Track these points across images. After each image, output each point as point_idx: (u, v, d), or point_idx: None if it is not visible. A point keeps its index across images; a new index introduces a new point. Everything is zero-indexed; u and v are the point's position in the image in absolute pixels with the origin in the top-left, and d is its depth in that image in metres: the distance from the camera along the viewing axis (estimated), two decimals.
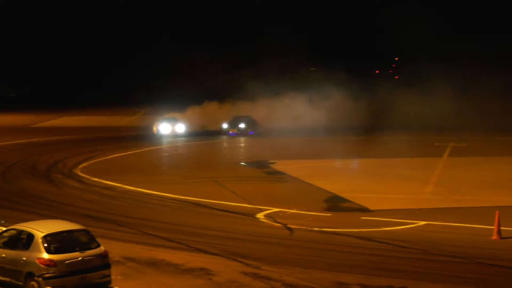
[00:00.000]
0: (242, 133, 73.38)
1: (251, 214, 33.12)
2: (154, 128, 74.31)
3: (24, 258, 20.20)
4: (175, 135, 71.93)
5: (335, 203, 36.09)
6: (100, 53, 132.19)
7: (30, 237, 20.42)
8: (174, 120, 74.60)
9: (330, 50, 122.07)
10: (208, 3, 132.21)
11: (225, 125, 75.44)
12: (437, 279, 22.57)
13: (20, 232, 21.00)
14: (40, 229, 20.66)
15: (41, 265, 19.74)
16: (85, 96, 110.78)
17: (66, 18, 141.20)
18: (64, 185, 41.59)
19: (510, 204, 35.04)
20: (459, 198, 37.74)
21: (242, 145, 66.71)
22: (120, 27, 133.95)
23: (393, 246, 27.05)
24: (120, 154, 57.07)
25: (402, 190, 39.80)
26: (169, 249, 26.39)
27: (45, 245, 20.03)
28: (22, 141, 67.09)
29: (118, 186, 40.65)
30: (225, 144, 68.16)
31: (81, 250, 20.42)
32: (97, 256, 20.52)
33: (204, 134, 75.19)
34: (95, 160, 53.22)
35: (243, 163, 51.44)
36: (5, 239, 21.35)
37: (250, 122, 75.50)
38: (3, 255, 20.84)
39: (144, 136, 72.04)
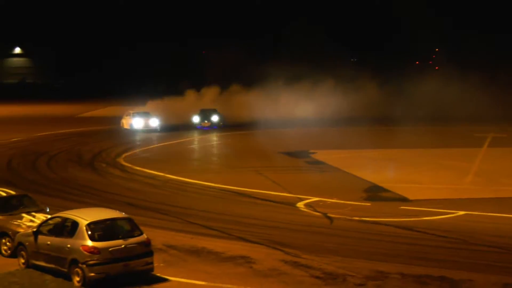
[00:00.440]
0: (215, 126, 69.62)
1: (291, 203, 33.10)
2: (124, 122, 68.08)
3: (68, 245, 20.38)
4: (149, 130, 65.99)
5: (374, 193, 35.93)
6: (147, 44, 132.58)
7: (75, 224, 20.60)
8: (146, 115, 68.55)
9: (368, 42, 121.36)
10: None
11: (196, 119, 70.54)
12: (476, 269, 22.41)
13: (65, 219, 21.20)
14: (84, 217, 20.84)
15: (85, 252, 19.91)
16: (129, 87, 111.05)
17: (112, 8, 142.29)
18: (108, 174, 41.88)
19: None
20: (499, 188, 37.38)
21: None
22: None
23: (432, 235, 26.89)
24: (161, 144, 57.30)
25: (442, 180, 39.50)
26: (210, 237, 26.45)
27: (89, 232, 20.21)
28: (67, 130, 67.58)
29: (160, 175, 40.84)
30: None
31: (124, 237, 20.57)
32: (140, 243, 20.65)
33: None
34: (138, 150, 53.51)
35: (283, 153, 51.31)
36: (50, 227, 21.57)
37: (219, 116, 71.63)
38: (48, 242, 21.06)
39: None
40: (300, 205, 32.75)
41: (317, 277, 21.25)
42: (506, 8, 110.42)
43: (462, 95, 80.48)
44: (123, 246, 20.28)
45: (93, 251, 19.91)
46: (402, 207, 32.27)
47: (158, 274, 21.17)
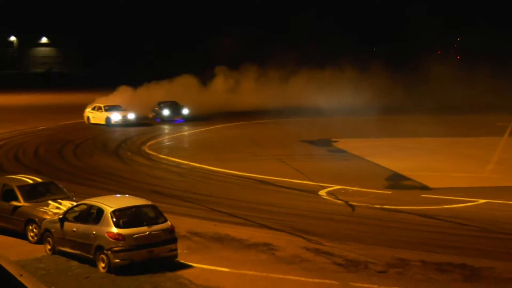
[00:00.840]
0: (182, 120, 65.09)
1: (313, 191, 33.07)
2: (92, 117, 62.81)
3: (94, 232, 20.48)
4: (128, 124, 60.60)
5: (396, 181, 35.83)
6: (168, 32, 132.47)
7: (100, 211, 20.69)
8: (119, 108, 63.10)
9: (388, 32, 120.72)
10: None
11: (166, 112, 65.02)
12: (497, 257, 22.32)
13: (90, 207, 21.30)
14: (109, 204, 20.92)
15: (110, 239, 20.00)
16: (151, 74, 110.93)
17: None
18: (133, 162, 42.00)
19: None
20: None
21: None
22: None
23: (453, 223, 26.79)
24: (185, 132, 57.39)
25: (463, 169, 39.32)
26: (234, 224, 26.50)
27: (114, 219, 20.29)
28: None
29: (185, 163, 40.92)
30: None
31: (149, 224, 20.64)
32: (164, 230, 20.71)
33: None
34: (162, 138, 53.63)
35: (305, 141, 51.22)
36: (76, 214, 21.69)
37: (180, 108, 66.82)
38: (74, 229, 21.17)
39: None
40: (322, 193, 32.71)
41: (339, 264, 21.24)
42: None
43: (483, 85, 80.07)
44: (147, 233, 20.35)
45: (118, 237, 19.99)
46: (423, 195, 32.16)
47: (182, 261, 21.23)
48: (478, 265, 21.21)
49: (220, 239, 24.08)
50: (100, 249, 20.26)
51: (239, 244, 23.49)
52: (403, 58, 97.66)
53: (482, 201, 30.71)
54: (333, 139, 51.46)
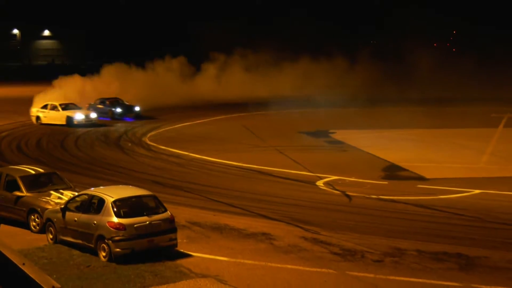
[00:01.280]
0: (132, 118, 59.49)
1: (311, 182, 33.08)
2: (38, 116, 55.59)
3: (95, 222, 20.49)
4: (91, 124, 54.28)
5: (392, 172, 35.84)
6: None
7: (101, 202, 20.69)
8: (76, 106, 56.46)
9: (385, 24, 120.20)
10: None
11: (118, 109, 59.42)
12: (491, 246, 22.34)
13: (92, 197, 21.29)
14: (110, 194, 20.92)
15: (111, 229, 20.02)
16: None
17: None
18: (134, 152, 41.98)
19: None
20: None
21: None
22: None
23: (449, 213, 26.82)
24: (185, 124, 57.30)
25: (458, 160, 39.33)
26: (233, 214, 26.52)
27: (115, 209, 20.30)
28: None
29: (185, 154, 40.91)
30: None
31: (149, 214, 20.65)
32: (164, 220, 20.71)
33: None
34: (163, 129, 53.58)
35: (304, 133, 51.18)
36: (77, 204, 21.69)
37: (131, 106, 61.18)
38: (76, 219, 21.18)
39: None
40: (320, 183, 32.73)
41: (336, 254, 21.25)
42: None
43: (478, 76, 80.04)
44: (147, 222, 20.35)
45: (119, 227, 20.00)
46: (419, 186, 32.19)
47: (182, 250, 21.24)
48: (473, 254, 21.23)
49: (219, 229, 24.09)
50: (101, 238, 20.27)
51: (238, 234, 23.50)
52: (395, 49, 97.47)
53: (477, 191, 30.73)
54: (331, 131, 51.46)
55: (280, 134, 50.31)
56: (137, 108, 60.88)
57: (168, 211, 21.07)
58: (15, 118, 58.43)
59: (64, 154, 41.25)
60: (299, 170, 35.83)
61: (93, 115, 55.53)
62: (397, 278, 19.20)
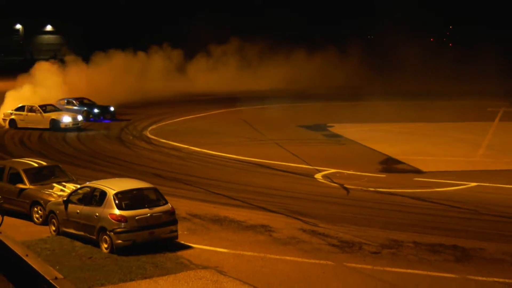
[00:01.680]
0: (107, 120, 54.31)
1: (309, 175, 33.08)
2: (13, 120, 49.12)
3: (97, 214, 20.52)
4: (78, 127, 48.56)
5: (389, 165, 35.83)
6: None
7: (103, 194, 20.72)
8: (57, 109, 50.13)
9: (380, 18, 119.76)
10: None
11: (95, 110, 54.12)
12: (487, 238, 22.36)
13: (94, 189, 21.31)
14: (112, 186, 20.94)
15: (113, 221, 20.05)
16: None
17: None
18: (135, 146, 41.98)
19: None
20: (510, 160, 37.19)
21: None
22: None
23: (445, 206, 26.83)
24: (186, 118, 57.28)
25: (454, 153, 39.32)
26: (232, 206, 26.53)
27: (117, 202, 20.33)
28: None
29: (185, 147, 40.91)
30: None
31: (150, 207, 20.68)
32: (165, 212, 20.75)
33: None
34: (164, 123, 53.54)
35: (302, 127, 51.14)
36: (80, 196, 21.72)
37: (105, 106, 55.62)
38: (78, 211, 21.20)
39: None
40: (318, 176, 32.73)
41: (334, 245, 21.28)
42: None
43: (474, 70, 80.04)
44: (148, 214, 20.38)
45: (120, 219, 20.03)
46: (416, 179, 32.19)
47: (182, 242, 21.27)
48: (469, 246, 21.26)
49: (219, 221, 24.11)
50: (103, 230, 20.30)
51: (238, 226, 23.52)
52: (385, 43, 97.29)
53: (473, 184, 30.74)
54: (329, 124, 51.42)
55: (279, 127, 50.26)
56: (111, 108, 55.31)
57: (168, 204, 21.09)
58: None
59: (66, 147, 41.24)
60: (297, 163, 35.82)
61: (80, 117, 49.18)
62: (394, 269, 19.23)
